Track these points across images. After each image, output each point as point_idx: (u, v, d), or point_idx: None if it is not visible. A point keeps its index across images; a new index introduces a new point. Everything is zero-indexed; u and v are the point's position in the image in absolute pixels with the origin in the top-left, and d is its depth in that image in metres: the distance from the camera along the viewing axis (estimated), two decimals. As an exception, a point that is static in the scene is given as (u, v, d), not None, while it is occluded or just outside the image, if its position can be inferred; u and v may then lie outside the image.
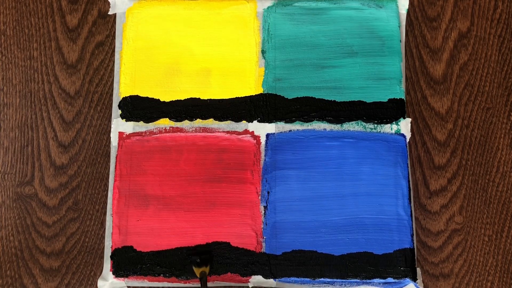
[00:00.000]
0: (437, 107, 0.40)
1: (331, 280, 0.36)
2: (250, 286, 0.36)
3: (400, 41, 0.40)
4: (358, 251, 0.36)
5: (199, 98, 0.39)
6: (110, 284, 0.36)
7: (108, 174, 0.38)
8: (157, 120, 0.38)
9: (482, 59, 0.40)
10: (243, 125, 0.38)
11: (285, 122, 0.38)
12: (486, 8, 0.41)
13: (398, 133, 0.38)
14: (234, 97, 0.39)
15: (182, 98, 0.39)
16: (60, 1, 0.41)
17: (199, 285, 0.36)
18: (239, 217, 0.37)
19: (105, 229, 0.37)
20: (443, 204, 0.38)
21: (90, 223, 0.38)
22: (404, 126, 0.38)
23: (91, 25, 0.41)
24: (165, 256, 0.36)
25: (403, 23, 0.40)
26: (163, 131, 0.38)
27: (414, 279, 0.36)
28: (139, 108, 0.39)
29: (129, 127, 0.38)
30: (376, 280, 0.36)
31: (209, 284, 0.36)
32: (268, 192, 0.37)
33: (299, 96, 0.39)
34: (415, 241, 0.37)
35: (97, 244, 0.38)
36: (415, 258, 0.37)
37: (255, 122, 0.38)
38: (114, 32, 0.40)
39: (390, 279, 0.36)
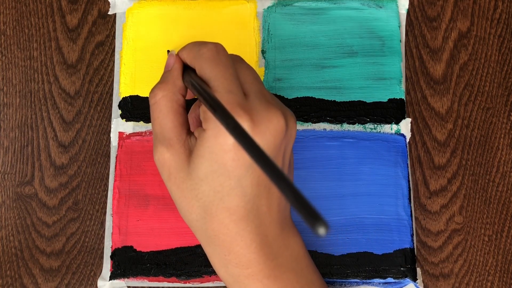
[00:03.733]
0: (437, 107, 0.40)
1: (331, 280, 0.36)
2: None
3: (400, 41, 0.40)
4: (358, 251, 0.36)
5: (199, 98, 0.39)
6: (110, 284, 0.36)
7: (108, 174, 0.38)
8: (157, 120, 0.38)
9: (482, 59, 0.40)
10: (243, 125, 0.38)
11: (285, 122, 0.38)
12: (486, 8, 0.41)
13: (398, 133, 0.38)
14: (234, 97, 0.39)
15: (182, 98, 0.39)
16: (60, 1, 0.41)
17: (199, 285, 0.36)
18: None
19: (105, 229, 0.37)
20: (443, 204, 0.38)
21: (90, 223, 0.38)
22: (404, 126, 0.38)
23: (91, 25, 0.41)
24: (165, 256, 0.36)
25: (403, 23, 0.40)
26: (163, 131, 0.38)
27: (414, 279, 0.36)
28: (139, 108, 0.39)
29: (129, 127, 0.39)
30: (376, 280, 0.36)
31: (209, 284, 0.36)
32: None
33: (299, 96, 0.39)
34: (415, 241, 0.37)
35: (97, 244, 0.38)
36: (415, 258, 0.37)
37: (255, 122, 0.38)
38: (114, 32, 0.40)
39: (390, 279, 0.36)
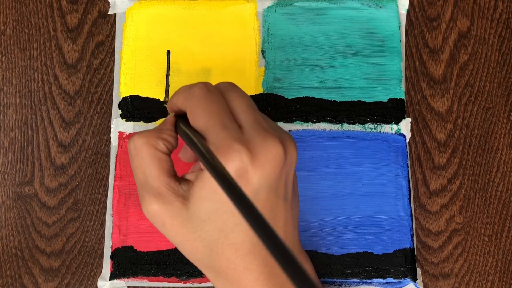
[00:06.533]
0: (437, 107, 0.40)
1: (331, 280, 0.36)
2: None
3: (400, 41, 0.40)
4: (358, 251, 0.36)
5: (199, 98, 0.39)
6: (110, 284, 0.36)
7: (108, 174, 0.38)
8: (157, 120, 0.38)
9: (482, 59, 0.40)
10: (243, 125, 0.38)
11: (285, 122, 0.38)
12: (486, 8, 0.41)
13: (398, 133, 0.38)
14: (234, 97, 0.39)
15: (182, 98, 0.39)
16: (60, 1, 0.41)
17: (199, 285, 0.36)
18: (239, 217, 0.37)
19: (105, 229, 0.37)
20: (443, 204, 0.38)
21: (90, 223, 0.38)
22: (404, 126, 0.38)
23: (91, 25, 0.41)
24: (165, 256, 0.36)
25: (403, 23, 0.40)
26: (163, 131, 0.38)
27: (414, 279, 0.36)
28: (139, 108, 0.39)
29: (129, 127, 0.39)
30: (376, 280, 0.36)
31: (209, 284, 0.36)
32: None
33: (299, 96, 0.39)
34: (415, 241, 0.37)
35: (97, 244, 0.38)
36: (415, 258, 0.37)
37: (255, 122, 0.38)
38: (114, 32, 0.40)
39: (390, 279, 0.36)
